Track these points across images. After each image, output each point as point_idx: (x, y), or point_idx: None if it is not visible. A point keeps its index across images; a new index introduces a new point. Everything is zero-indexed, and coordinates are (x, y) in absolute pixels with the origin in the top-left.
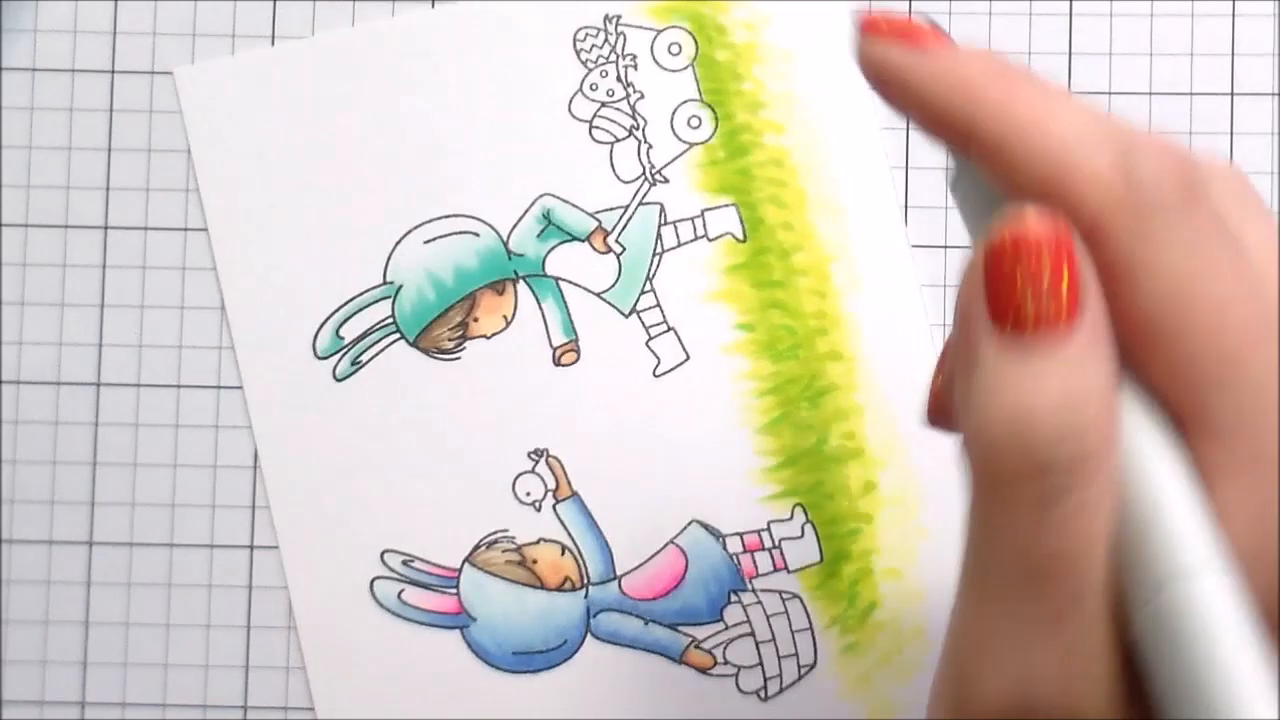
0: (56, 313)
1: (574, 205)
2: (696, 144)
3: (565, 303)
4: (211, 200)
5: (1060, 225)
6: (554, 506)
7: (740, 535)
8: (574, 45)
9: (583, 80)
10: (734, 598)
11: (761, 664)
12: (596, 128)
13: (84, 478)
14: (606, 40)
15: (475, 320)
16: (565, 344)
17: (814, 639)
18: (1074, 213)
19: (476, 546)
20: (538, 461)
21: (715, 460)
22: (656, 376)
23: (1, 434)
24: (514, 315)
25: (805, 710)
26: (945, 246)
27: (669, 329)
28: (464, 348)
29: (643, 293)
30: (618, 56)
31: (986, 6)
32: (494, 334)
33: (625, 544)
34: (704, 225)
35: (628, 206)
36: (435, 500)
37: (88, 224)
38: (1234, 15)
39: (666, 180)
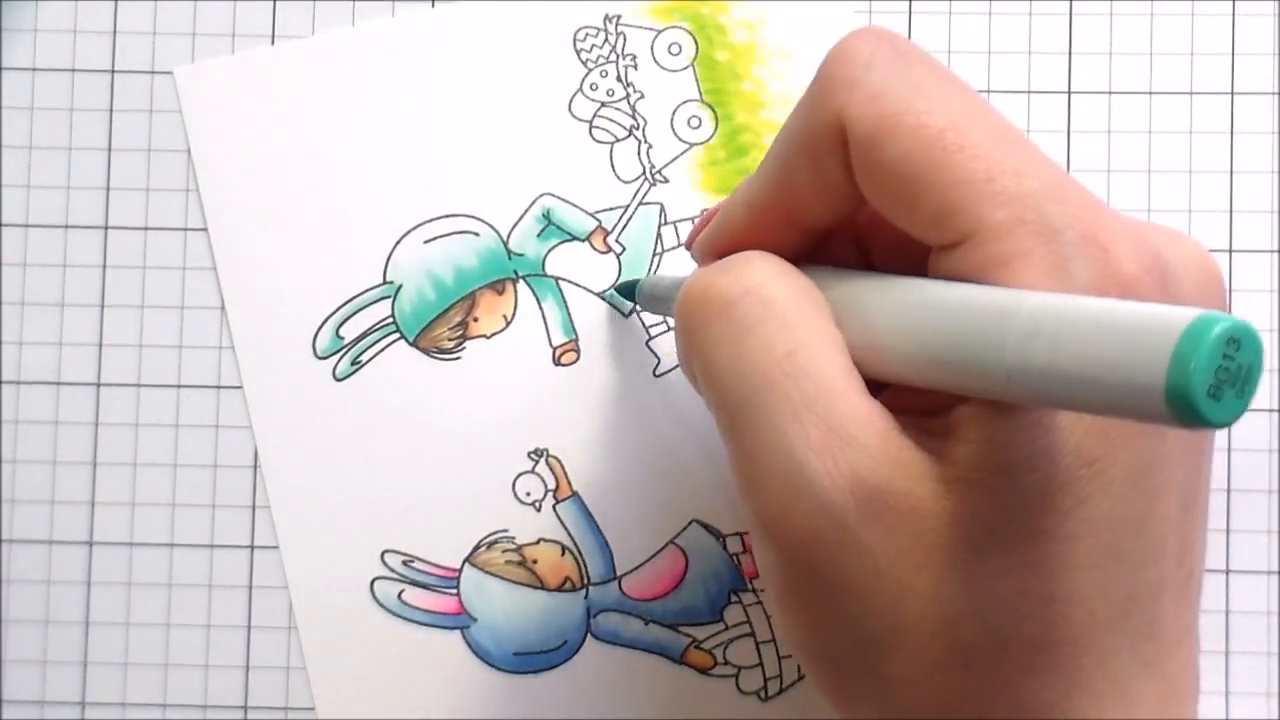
0: (56, 313)
1: (574, 205)
2: (697, 144)
3: (565, 303)
4: (211, 200)
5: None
6: (554, 506)
7: (740, 535)
8: (574, 45)
9: (583, 80)
10: (734, 598)
11: (762, 664)
12: (596, 128)
13: (84, 478)
14: (606, 40)
15: (475, 320)
16: (565, 344)
17: None
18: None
19: (476, 546)
20: (538, 461)
21: (715, 460)
22: (656, 376)
23: (1, 434)
24: (514, 315)
25: (805, 710)
26: None
27: (669, 329)
28: (464, 348)
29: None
30: (618, 56)
31: (986, 6)
32: (494, 334)
33: (625, 544)
34: None
35: (628, 206)
36: (435, 500)
37: (88, 224)
38: (1234, 15)
39: (667, 180)
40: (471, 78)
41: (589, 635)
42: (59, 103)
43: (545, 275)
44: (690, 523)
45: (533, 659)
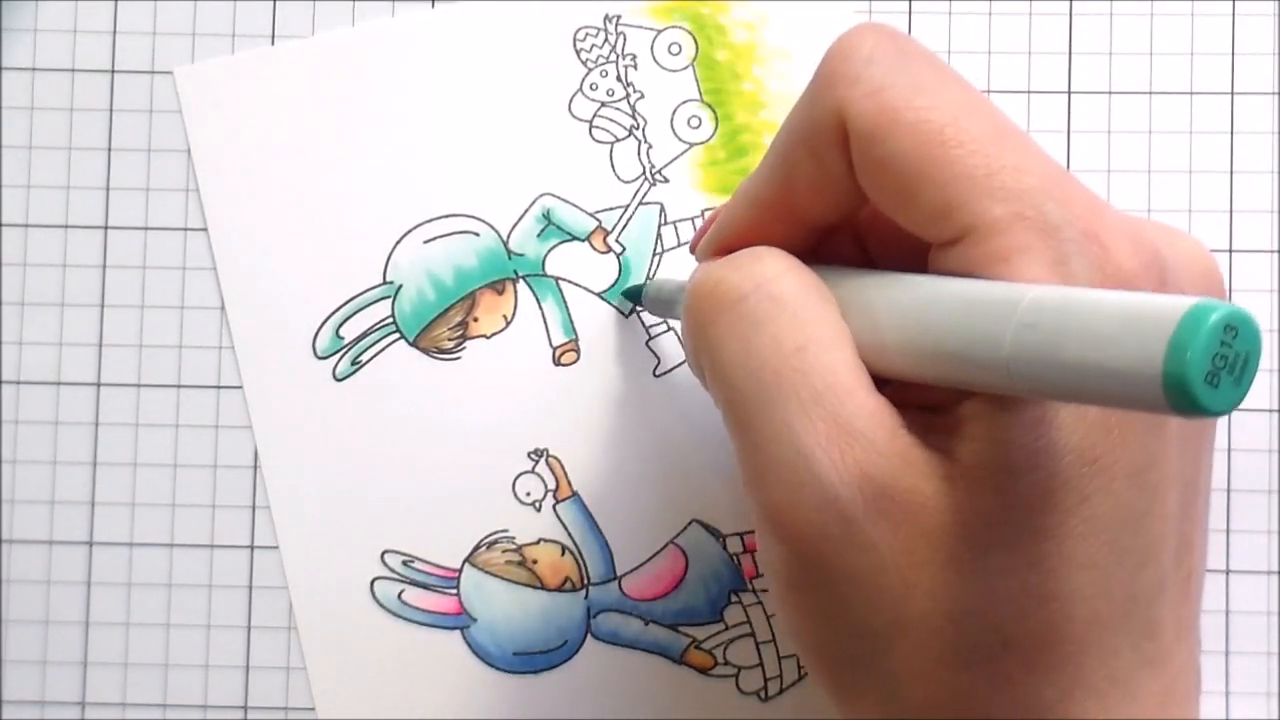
0: (56, 313)
1: (574, 205)
2: (697, 144)
3: (565, 303)
4: (211, 200)
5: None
6: (554, 506)
7: (740, 535)
8: (574, 45)
9: (583, 80)
10: (734, 598)
11: (762, 664)
12: (596, 127)
13: (84, 478)
14: (606, 40)
15: (475, 320)
16: (565, 344)
17: None
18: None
19: (476, 547)
20: (538, 461)
21: (715, 460)
22: (656, 376)
23: (1, 434)
24: (514, 315)
25: (805, 710)
26: None
27: (669, 329)
28: (464, 347)
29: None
30: (618, 56)
31: (986, 6)
32: (494, 334)
33: (625, 544)
34: None
35: (628, 206)
36: (435, 500)
37: (88, 224)
38: (1234, 15)
39: (667, 180)
40: (471, 78)
41: (589, 635)
42: (59, 103)
43: (545, 275)
44: (690, 523)
45: (533, 659)
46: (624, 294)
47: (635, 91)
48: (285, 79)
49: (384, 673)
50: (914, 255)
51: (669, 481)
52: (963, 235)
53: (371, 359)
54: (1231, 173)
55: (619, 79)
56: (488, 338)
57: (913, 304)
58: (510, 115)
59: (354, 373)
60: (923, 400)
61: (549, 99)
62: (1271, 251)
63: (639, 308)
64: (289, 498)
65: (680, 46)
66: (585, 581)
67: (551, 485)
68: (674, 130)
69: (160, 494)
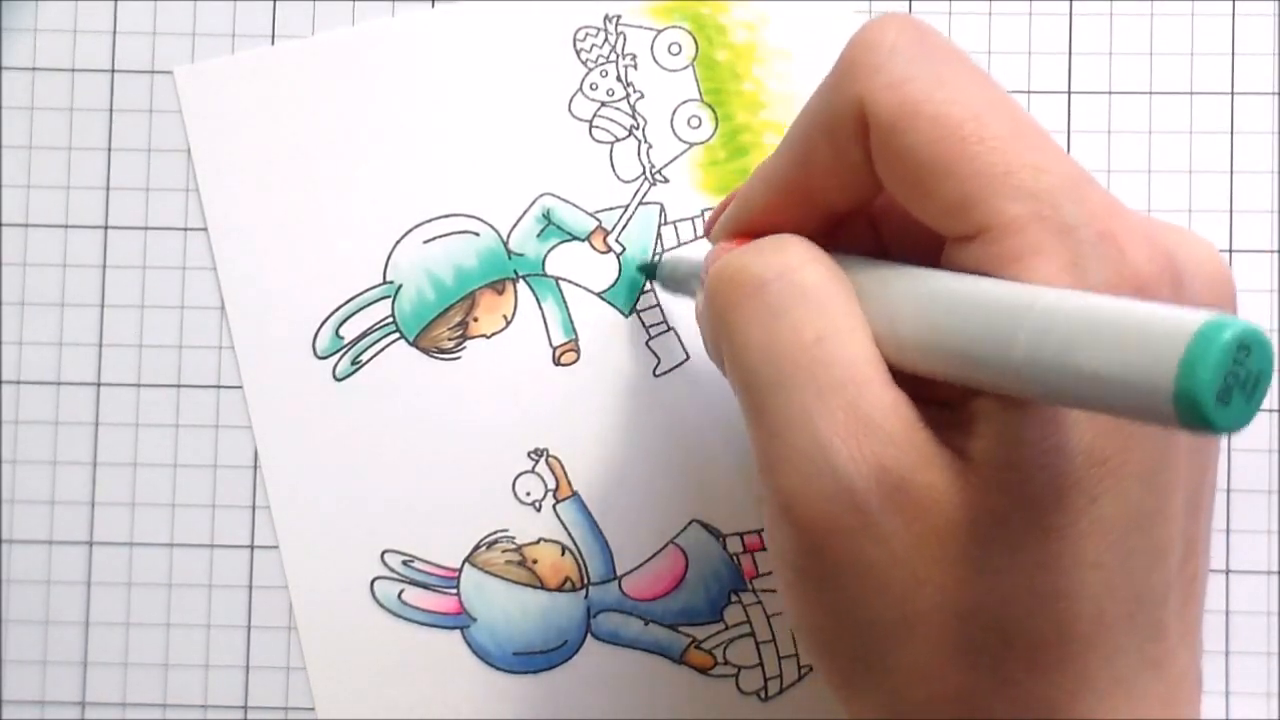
0: (56, 313)
1: (574, 205)
2: (697, 144)
3: (565, 302)
4: (211, 200)
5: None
6: (554, 506)
7: (740, 535)
8: (574, 45)
9: (583, 80)
10: (734, 598)
11: (762, 664)
12: (596, 127)
13: (84, 478)
14: (606, 40)
15: (475, 320)
16: (565, 344)
17: None
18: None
19: (476, 546)
20: (538, 461)
21: (715, 460)
22: (656, 376)
23: (1, 434)
24: (514, 315)
25: (805, 710)
26: None
27: (669, 329)
28: (464, 347)
29: (643, 292)
30: (618, 56)
31: (986, 6)
32: (494, 334)
33: (625, 544)
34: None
35: (628, 206)
36: (435, 500)
37: (88, 224)
38: (1234, 15)
39: (667, 180)
40: (471, 78)
41: (589, 635)
42: (59, 103)
43: (545, 275)
44: (690, 523)
45: (533, 659)
46: (638, 269)
47: (635, 91)
48: (285, 79)
49: (384, 673)
50: (929, 245)
51: (669, 481)
52: (979, 232)
53: (371, 359)
54: (1231, 173)
55: (619, 79)
56: (488, 338)
57: (928, 300)
58: (510, 115)
59: (354, 373)
60: (935, 395)
61: (549, 99)
62: (1271, 251)
63: (636, 305)
64: (289, 498)
65: (680, 46)
66: (585, 581)
67: (551, 485)
68: (674, 130)
69: (160, 494)
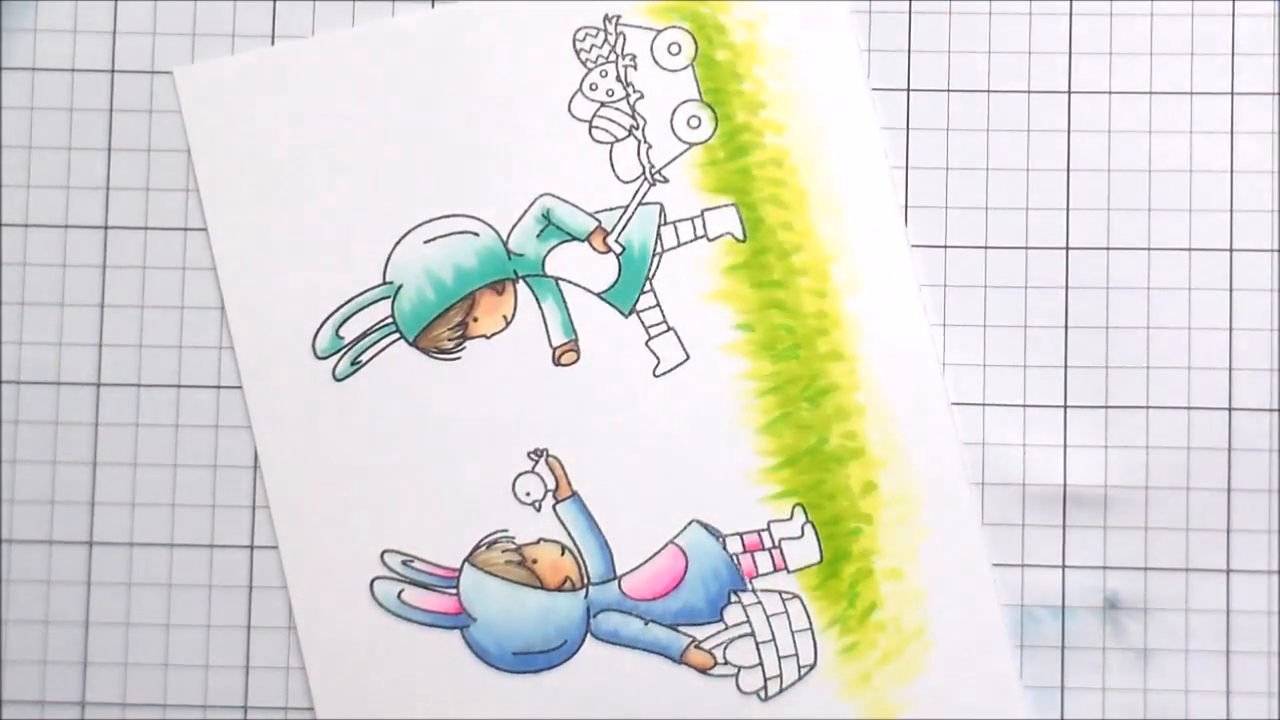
0: (56, 313)
1: (574, 205)
2: (696, 144)
3: (565, 303)
4: (211, 200)
5: None
6: (554, 506)
7: (740, 535)
8: (574, 45)
9: (583, 80)
10: (734, 598)
11: (761, 664)
12: (596, 128)
13: (84, 478)
14: (606, 40)
15: (475, 320)
16: (565, 344)
17: (814, 639)
18: None
19: (476, 546)
20: (538, 461)
21: (715, 460)
22: (656, 376)
23: (1, 434)
24: (514, 315)
25: (805, 710)
26: (945, 246)
27: (669, 329)
28: (464, 348)
29: (642, 293)
30: (617, 56)
31: (986, 6)
32: (494, 334)
33: (625, 544)
34: (704, 225)
35: (627, 206)
36: (435, 500)
37: (88, 224)
38: (1234, 15)
39: (666, 180)
40: (471, 78)
41: (589, 635)
42: (59, 103)
43: (545, 275)
44: (690, 523)
45: (532, 659)
46: None
47: (635, 91)
48: (285, 79)
49: (384, 672)
50: None
51: (669, 481)
52: None
53: (371, 359)
54: (1231, 172)
55: (619, 79)
56: (488, 338)
57: None
58: (510, 115)
59: (354, 373)
60: None
61: (549, 99)
62: (1271, 251)
63: (635, 305)
64: (289, 498)
65: (680, 46)
66: (585, 581)
67: (551, 485)
68: (674, 130)
69: (160, 494)
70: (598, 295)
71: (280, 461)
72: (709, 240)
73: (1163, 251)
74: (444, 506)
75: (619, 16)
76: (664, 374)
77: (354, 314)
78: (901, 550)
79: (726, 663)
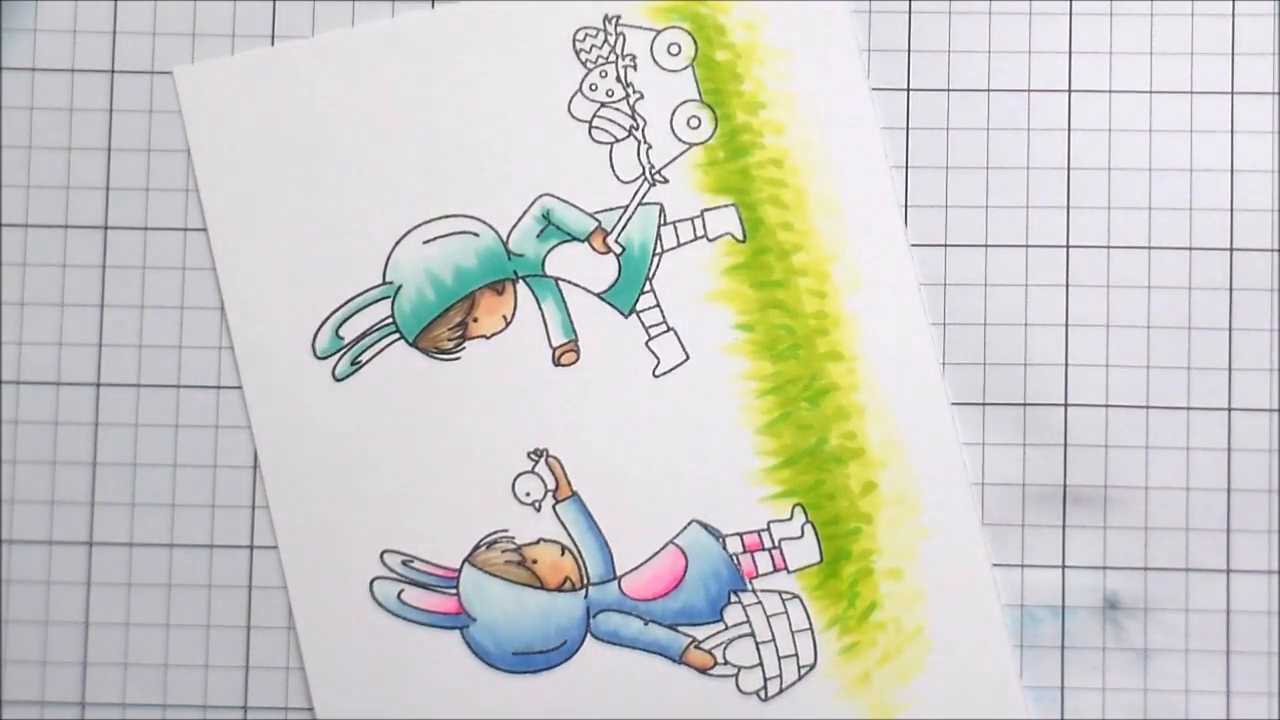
0: (56, 313)
1: (574, 205)
2: (696, 144)
3: (565, 303)
4: (211, 200)
5: None
6: (554, 506)
7: (740, 535)
8: (574, 45)
9: (582, 80)
10: (734, 598)
11: (761, 664)
12: (596, 128)
13: (84, 478)
14: (606, 40)
15: (475, 320)
16: (565, 344)
17: (814, 639)
18: None
19: (476, 546)
20: (538, 461)
21: (715, 460)
22: (656, 376)
23: (1, 434)
24: (514, 315)
25: (805, 710)
26: (945, 246)
27: (669, 329)
28: (464, 348)
29: (642, 293)
30: (617, 57)
31: (986, 6)
32: (494, 334)
33: (625, 544)
34: (704, 225)
35: (627, 206)
36: (435, 500)
37: (88, 224)
38: (1234, 15)
39: (666, 180)
40: (471, 78)
41: (588, 635)
42: (59, 103)
43: (545, 275)
44: (690, 523)
45: (532, 659)
46: None
47: (635, 92)
48: (285, 79)
49: (383, 673)
50: None
51: (669, 482)
52: None
53: (371, 359)
54: (1232, 172)
55: (619, 79)
56: (487, 338)
57: None
58: (510, 115)
59: (354, 373)
60: None
61: (549, 99)
62: (1271, 251)
63: (635, 305)
64: (289, 498)
65: (680, 47)
66: (585, 581)
67: (551, 485)
68: (673, 130)
69: (160, 494)
70: (598, 295)
71: (280, 461)
72: (709, 240)
73: (1163, 251)
74: (444, 506)
75: (619, 17)
76: (664, 374)
77: (354, 314)
78: (901, 550)
79: (726, 663)
